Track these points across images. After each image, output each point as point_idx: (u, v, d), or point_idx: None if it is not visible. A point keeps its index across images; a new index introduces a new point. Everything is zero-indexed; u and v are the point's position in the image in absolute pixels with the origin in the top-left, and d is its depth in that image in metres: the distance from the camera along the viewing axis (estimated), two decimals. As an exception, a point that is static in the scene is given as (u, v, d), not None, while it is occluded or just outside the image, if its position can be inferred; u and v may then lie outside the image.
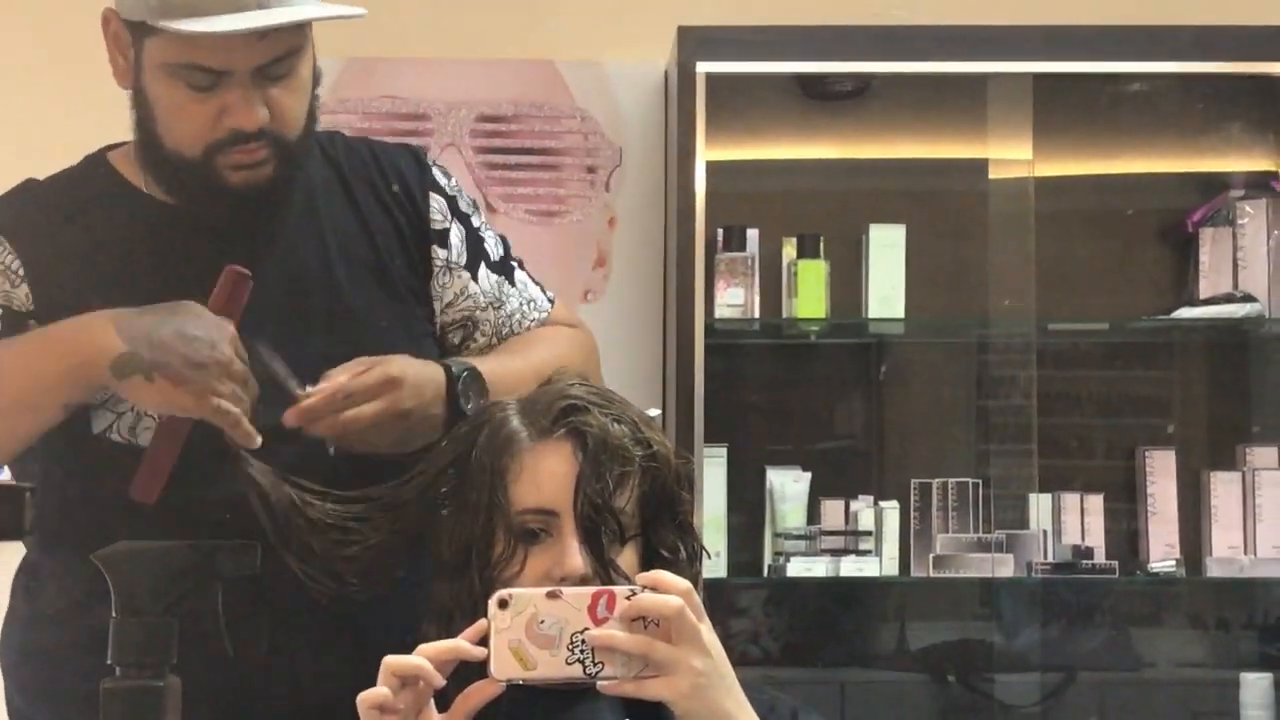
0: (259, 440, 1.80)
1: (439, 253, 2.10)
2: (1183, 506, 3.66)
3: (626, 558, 1.70)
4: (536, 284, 2.21)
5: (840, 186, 3.89)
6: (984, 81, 3.65)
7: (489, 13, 3.81)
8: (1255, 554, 3.60)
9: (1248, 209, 3.68)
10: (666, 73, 3.69)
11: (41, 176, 2.07)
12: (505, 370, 2.01)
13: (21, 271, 1.97)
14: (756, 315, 3.61)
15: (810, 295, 3.60)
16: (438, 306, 2.11)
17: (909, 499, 3.62)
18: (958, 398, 3.79)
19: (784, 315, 3.66)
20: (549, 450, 1.71)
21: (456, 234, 2.12)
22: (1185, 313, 3.68)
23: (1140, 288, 3.82)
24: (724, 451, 3.57)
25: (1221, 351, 3.83)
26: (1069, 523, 3.63)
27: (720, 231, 3.58)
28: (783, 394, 3.85)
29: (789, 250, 3.66)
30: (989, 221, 3.66)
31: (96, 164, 2.08)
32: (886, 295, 3.64)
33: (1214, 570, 3.61)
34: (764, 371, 3.86)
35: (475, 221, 2.15)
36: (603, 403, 1.74)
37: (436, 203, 2.11)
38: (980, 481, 3.63)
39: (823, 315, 3.63)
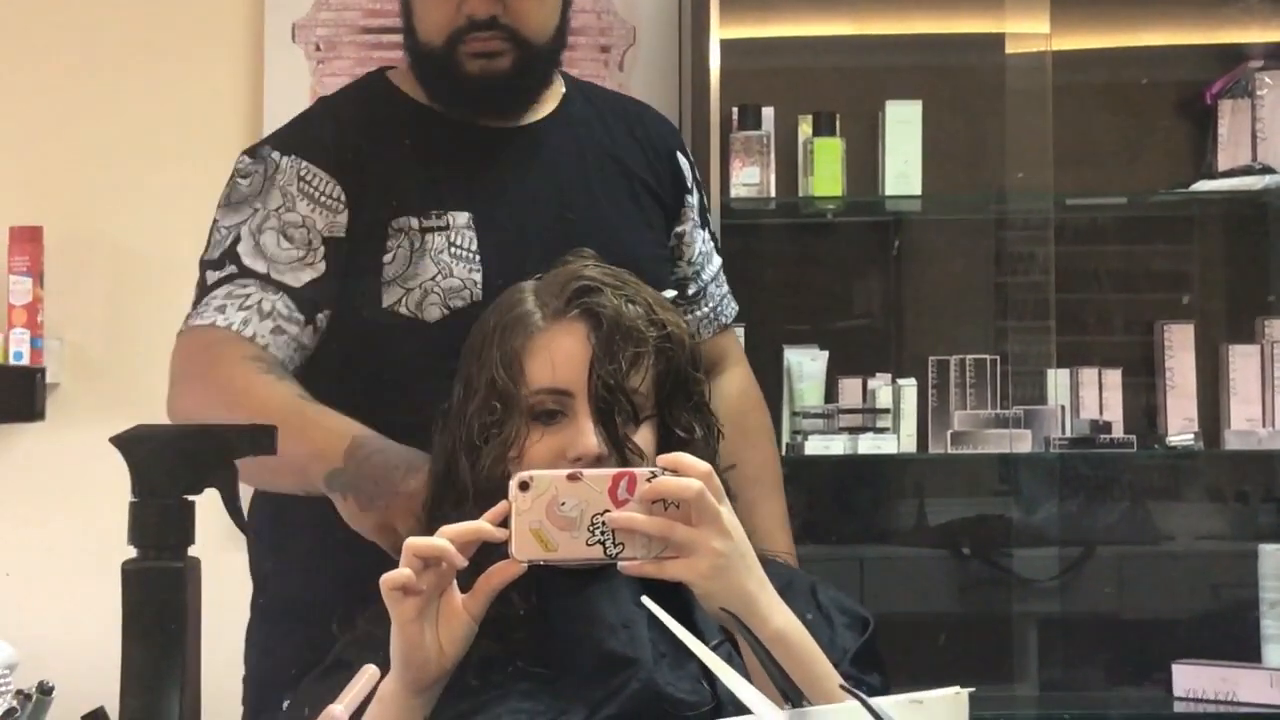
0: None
1: (690, 200, 2.27)
2: (1201, 380, 3.66)
3: (643, 437, 1.70)
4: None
5: (856, 63, 3.86)
6: (1000, -47, 3.62)
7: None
8: (1274, 426, 3.60)
9: (1266, 80, 3.64)
10: (679, -52, 3.66)
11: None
12: None
13: (344, 199, 2.02)
14: (772, 194, 3.59)
15: (826, 173, 3.58)
16: (683, 251, 2.27)
17: (927, 376, 3.62)
18: (975, 274, 3.78)
19: (800, 194, 3.64)
20: (563, 331, 1.70)
21: (696, 196, 2.30)
22: (1204, 185, 3.65)
23: (1158, 161, 3.80)
24: (741, 331, 3.56)
25: (1240, 224, 3.81)
26: (1087, 398, 3.63)
27: (735, 110, 3.55)
28: (800, 273, 3.84)
29: (805, 128, 3.64)
30: (1006, 96, 3.63)
31: (377, 83, 2.17)
32: (903, 172, 3.62)
33: (1232, 443, 3.61)
34: (780, 250, 3.85)
35: (702, 197, 2.33)
36: (617, 283, 1.74)
37: (685, 164, 2.28)
38: (998, 358, 3.62)
39: (839, 193, 3.61)
